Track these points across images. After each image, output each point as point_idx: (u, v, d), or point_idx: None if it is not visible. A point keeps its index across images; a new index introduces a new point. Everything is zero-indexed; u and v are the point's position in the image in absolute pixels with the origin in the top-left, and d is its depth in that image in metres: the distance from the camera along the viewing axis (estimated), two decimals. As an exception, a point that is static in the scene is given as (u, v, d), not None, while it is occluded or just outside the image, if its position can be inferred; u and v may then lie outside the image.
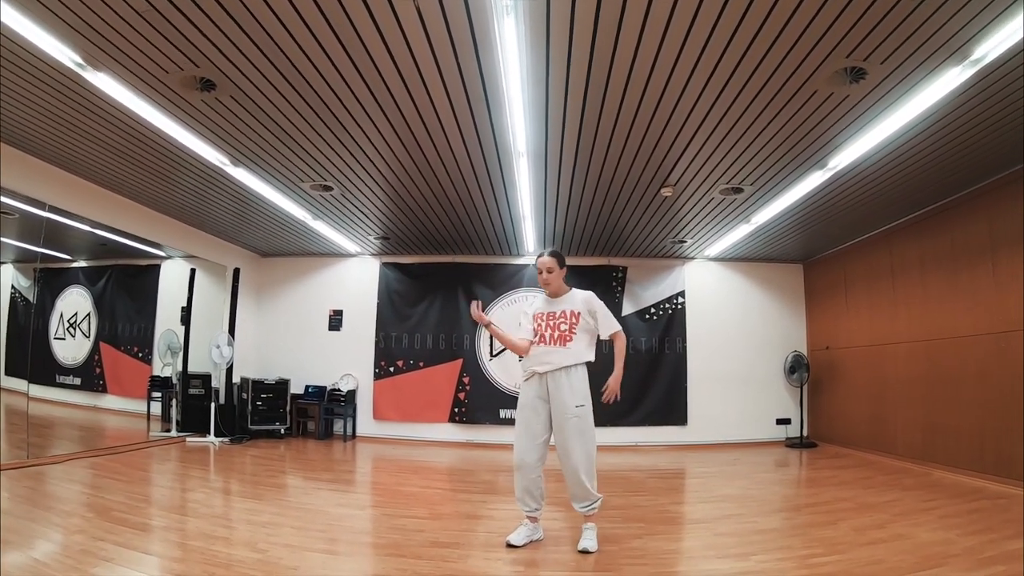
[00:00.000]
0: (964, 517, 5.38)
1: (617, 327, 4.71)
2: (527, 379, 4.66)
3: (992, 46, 4.22)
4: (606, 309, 4.74)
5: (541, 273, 4.71)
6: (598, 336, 4.73)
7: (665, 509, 5.91)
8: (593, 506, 4.52)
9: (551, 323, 4.62)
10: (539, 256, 4.76)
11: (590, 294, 4.76)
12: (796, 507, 6.15)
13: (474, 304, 4.73)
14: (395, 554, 4.26)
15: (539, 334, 4.64)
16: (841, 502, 6.09)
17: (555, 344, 4.56)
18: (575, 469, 4.46)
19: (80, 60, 4.57)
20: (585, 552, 4.31)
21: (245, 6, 3.95)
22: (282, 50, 4.48)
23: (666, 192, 7.46)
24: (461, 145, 6.19)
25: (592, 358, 4.64)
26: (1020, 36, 4.07)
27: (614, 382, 4.61)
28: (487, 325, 4.75)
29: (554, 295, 4.76)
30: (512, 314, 10.90)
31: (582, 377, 4.59)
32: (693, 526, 5.40)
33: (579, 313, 4.63)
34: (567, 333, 4.58)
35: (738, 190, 7.39)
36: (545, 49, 4.41)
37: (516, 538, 4.47)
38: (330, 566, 3.94)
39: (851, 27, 4.07)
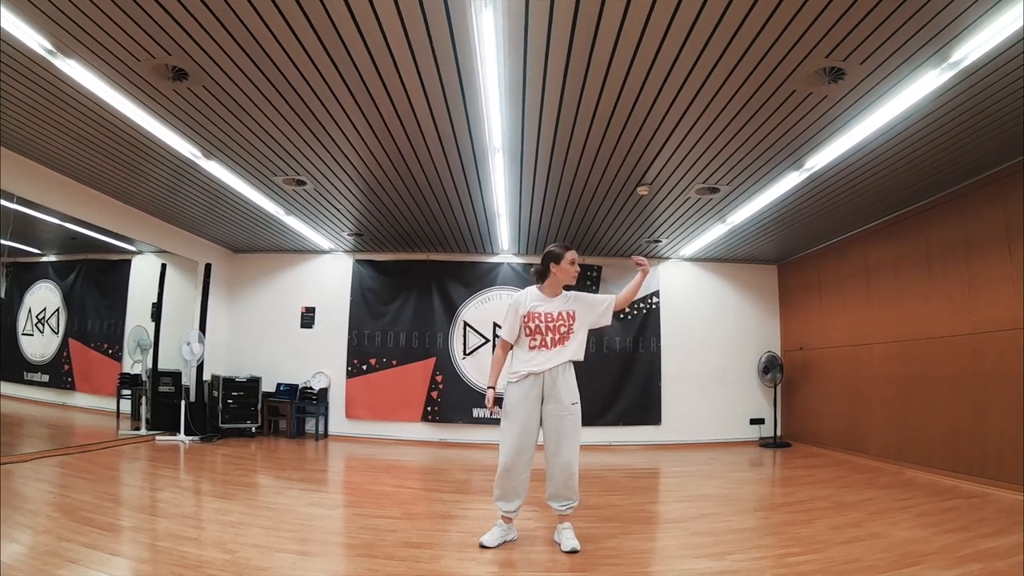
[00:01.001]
0: (939, 516, 5.44)
1: (610, 298, 4.72)
2: (519, 380, 4.52)
3: (971, 49, 4.25)
4: (593, 295, 4.79)
5: (574, 264, 4.61)
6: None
7: (640, 508, 5.91)
8: (572, 505, 4.51)
9: (551, 324, 4.54)
10: (567, 248, 4.62)
11: (576, 292, 4.75)
12: (772, 506, 6.18)
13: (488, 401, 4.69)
14: (366, 555, 4.22)
15: (537, 336, 4.53)
16: (817, 501, 6.14)
17: (554, 346, 4.51)
18: (567, 466, 4.42)
19: (50, 46, 4.48)
20: (573, 552, 4.29)
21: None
22: (256, 40, 4.41)
23: (642, 191, 7.46)
24: (436, 139, 6.14)
25: (582, 357, 4.61)
26: (999, 40, 4.10)
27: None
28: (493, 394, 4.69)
29: (555, 293, 4.66)
30: (488, 312, 11.05)
31: (573, 375, 4.57)
32: (669, 525, 5.39)
33: (574, 313, 4.60)
34: (566, 335, 4.54)
35: (714, 190, 7.41)
36: (523, 44, 4.38)
37: (490, 539, 4.44)
38: (300, 567, 3.89)
39: (831, 27, 4.08)
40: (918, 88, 4.82)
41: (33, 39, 4.37)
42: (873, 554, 4.29)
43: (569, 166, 6.76)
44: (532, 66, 4.68)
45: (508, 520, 4.57)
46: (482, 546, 4.38)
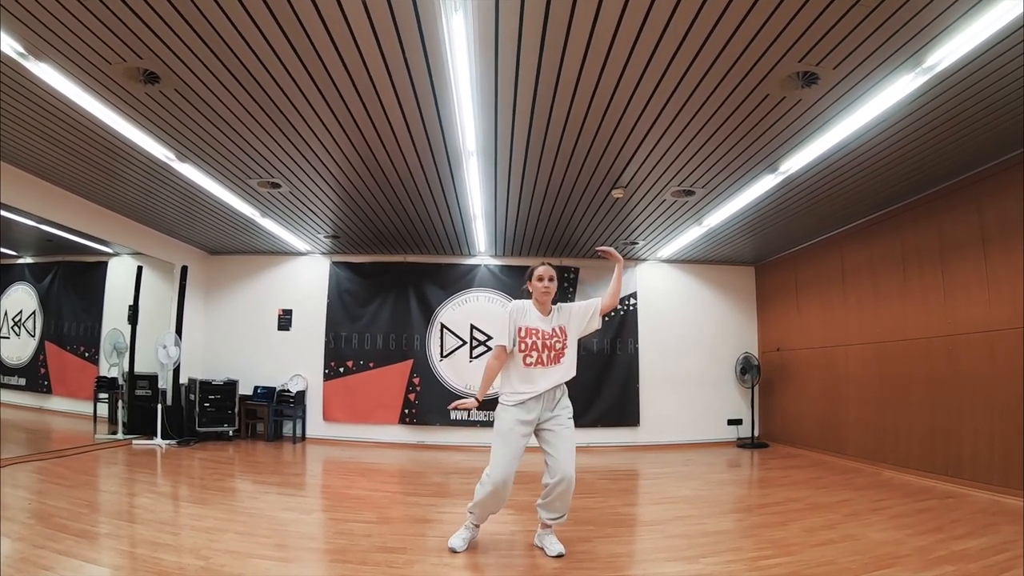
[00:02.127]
0: (914, 517, 5.50)
1: (595, 302, 4.63)
2: (516, 404, 4.39)
3: (944, 54, 4.29)
4: (578, 303, 4.69)
5: (542, 280, 4.52)
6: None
7: (616, 511, 5.90)
8: (564, 519, 4.48)
9: (546, 342, 4.46)
10: (541, 264, 4.60)
11: (562, 304, 4.70)
12: (748, 508, 6.20)
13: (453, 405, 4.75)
14: (340, 560, 4.23)
15: (533, 353, 4.45)
16: (792, 503, 6.18)
17: (551, 364, 4.44)
18: (572, 481, 4.32)
19: (22, 49, 4.47)
20: (560, 556, 4.31)
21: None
22: (226, 43, 4.40)
23: (617, 194, 7.50)
24: (409, 142, 6.16)
25: (575, 373, 4.55)
26: (974, 44, 4.14)
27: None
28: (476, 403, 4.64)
29: (546, 310, 4.58)
30: (465, 314, 11.13)
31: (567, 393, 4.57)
32: (644, 528, 5.41)
33: (565, 327, 4.55)
34: (561, 352, 4.48)
35: (689, 192, 7.45)
36: (494, 47, 4.40)
37: (460, 543, 4.45)
38: (274, 572, 3.89)
39: (804, 31, 4.11)
40: (892, 92, 4.87)
41: (4, 42, 4.36)
42: (846, 556, 4.32)
43: (543, 169, 6.79)
44: (503, 69, 4.69)
45: (477, 525, 4.59)
46: (453, 551, 4.39)
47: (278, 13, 4.03)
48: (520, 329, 4.47)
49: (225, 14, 4.04)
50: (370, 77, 4.87)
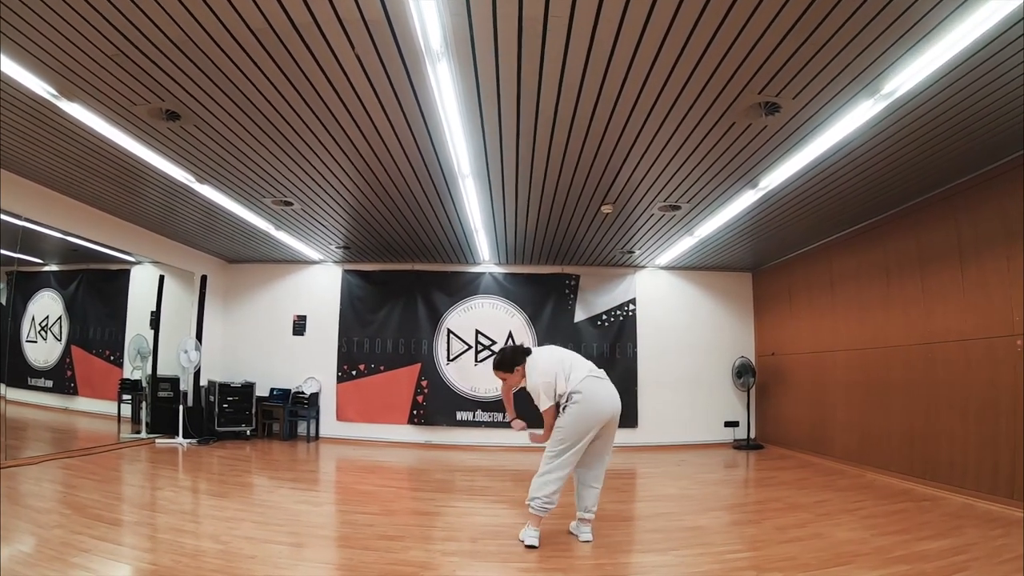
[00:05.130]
0: (885, 518, 5.65)
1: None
2: None
3: (901, 81, 4.46)
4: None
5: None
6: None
7: (601, 508, 5.82)
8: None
9: None
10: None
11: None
12: (728, 506, 6.44)
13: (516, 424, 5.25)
14: (344, 546, 4.65)
15: None
16: (772, 502, 6.38)
17: None
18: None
19: (55, 91, 4.90)
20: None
21: (203, 51, 4.32)
22: (239, 88, 4.85)
23: (606, 209, 7.76)
24: (408, 168, 6.52)
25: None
26: (927, 72, 4.34)
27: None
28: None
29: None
30: (471, 320, 11.51)
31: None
32: (624, 523, 5.63)
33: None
34: None
35: (675, 207, 7.68)
36: (475, 89, 4.78)
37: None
38: (285, 555, 4.31)
39: (761, 65, 4.34)
40: (853, 118, 5.06)
41: (39, 86, 4.81)
42: (808, 553, 4.53)
43: (534, 188, 7.10)
44: (486, 104, 5.04)
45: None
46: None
47: (281, 64, 4.47)
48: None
49: (235, 64, 4.49)
50: (368, 114, 5.28)
